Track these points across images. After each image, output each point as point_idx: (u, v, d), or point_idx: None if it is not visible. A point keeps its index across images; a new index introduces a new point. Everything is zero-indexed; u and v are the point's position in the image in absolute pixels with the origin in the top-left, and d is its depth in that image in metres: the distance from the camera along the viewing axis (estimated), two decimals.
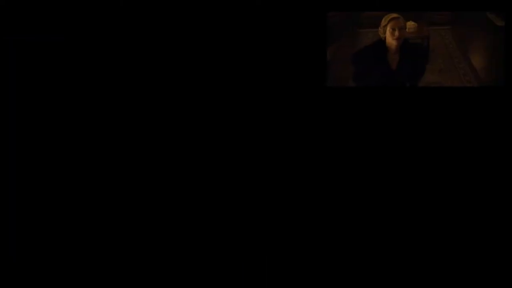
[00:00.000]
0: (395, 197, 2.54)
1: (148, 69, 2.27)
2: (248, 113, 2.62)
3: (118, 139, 2.22)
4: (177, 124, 2.24)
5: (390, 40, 2.97)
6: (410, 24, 7.76)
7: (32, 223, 2.06)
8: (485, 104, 2.89)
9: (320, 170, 2.59)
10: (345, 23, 10.40)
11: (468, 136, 2.68)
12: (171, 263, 2.20)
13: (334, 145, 2.69)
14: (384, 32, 3.00)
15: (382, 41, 3.04)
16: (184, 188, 2.19)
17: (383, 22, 2.99)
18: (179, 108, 2.31)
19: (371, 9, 3.18)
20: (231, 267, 2.26)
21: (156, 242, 2.17)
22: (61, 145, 2.09)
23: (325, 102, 2.76)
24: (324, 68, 2.92)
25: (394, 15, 2.98)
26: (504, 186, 2.59)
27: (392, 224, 2.38)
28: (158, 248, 2.18)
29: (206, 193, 2.28)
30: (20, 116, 2.07)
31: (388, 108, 2.78)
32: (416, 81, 3.40)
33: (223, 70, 2.43)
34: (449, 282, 2.37)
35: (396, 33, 2.95)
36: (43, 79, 2.12)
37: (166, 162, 2.17)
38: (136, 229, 2.15)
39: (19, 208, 2.00)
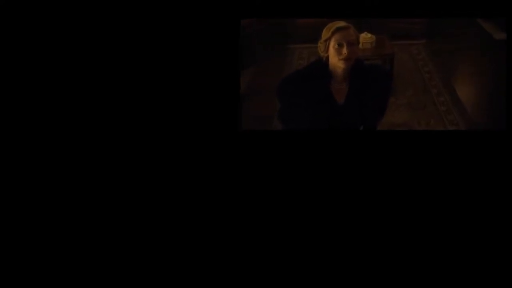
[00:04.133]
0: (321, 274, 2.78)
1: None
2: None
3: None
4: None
5: (335, 61, 2.97)
6: (366, 37, 8.13)
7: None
8: (476, 156, 2.90)
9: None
10: (266, 36, 10.73)
11: (450, 202, 2.75)
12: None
13: (255, 211, 2.78)
14: (326, 49, 3.01)
15: (323, 63, 3.07)
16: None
17: (324, 34, 3.00)
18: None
19: (306, 15, 3.19)
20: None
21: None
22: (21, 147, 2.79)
23: (238, 154, 2.79)
24: (235, 103, 2.92)
25: (341, 23, 2.97)
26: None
27: None
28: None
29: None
30: None
31: (332, 161, 2.81)
32: (374, 122, 3.42)
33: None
34: None
35: (344, 50, 2.91)
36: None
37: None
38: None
39: None
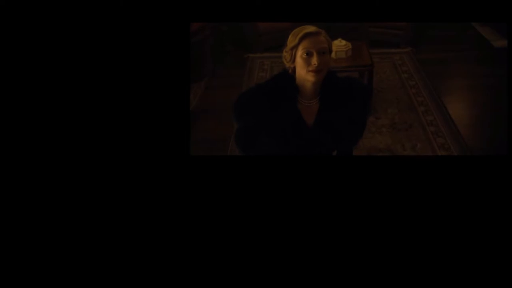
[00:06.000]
0: None
1: None
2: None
3: None
4: None
5: (304, 74, 2.96)
6: (340, 45, 8.23)
7: None
8: (472, 187, 2.81)
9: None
10: (222, 42, 10.85)
11: (440, 243, 2.73)
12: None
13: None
14: (293, 59, 3.01)
15: (289, 75, 3.09)
16: None
17: (290, 41, 3.00)
18: None
19: (268, 18, 3.15)
20: None
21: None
22: None
23: (186, 185, 2.77)
24: (184, 123, 2.90)
25: (310, 28, 2.97)
26: None
27: None
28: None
29: None
30: None
31: (300, 194, 2.77)
32: (349, 147, 3.48)
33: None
34: None
35: (314, 60, 2.90)
36: None
37: None
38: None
39: None
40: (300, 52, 2.95)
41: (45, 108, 2.75)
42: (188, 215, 2.77)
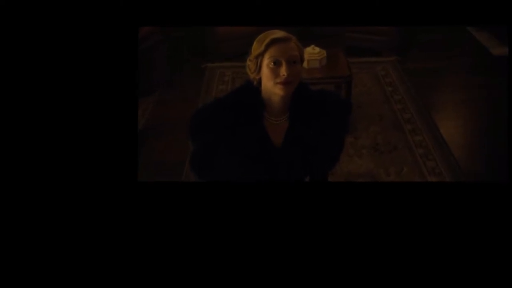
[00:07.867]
0: None
1: None
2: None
3: None
4: None
5: (271, 86, 2.95)
6: (313, 52, 8.24)
7: None
8: (468, 219, 2.77)
9: None
10: (175, 50, 10.87)
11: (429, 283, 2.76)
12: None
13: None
14: (258, 69, 3.00)
15: (254, 89, 3.08)
16: None
17: (255, 48, 2.98)
18: None
19: (229, 22, 3.15)
20: None
21: None
22: None
23: (133, 216, 2.74)
24: (131, 143, 2.87)
25: (279, 33, 2.96)
26: None
27: None
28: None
29: None
30: None
31: (266, 227, 2.76)
32: (324, 172, 3.51)
33: None
34: None
35: (283, 70, 2.88)
36: None
37: None
38: None
39: None
40: (266, 61, 2.92)
41: None
42: (135, 251, 2.74)
